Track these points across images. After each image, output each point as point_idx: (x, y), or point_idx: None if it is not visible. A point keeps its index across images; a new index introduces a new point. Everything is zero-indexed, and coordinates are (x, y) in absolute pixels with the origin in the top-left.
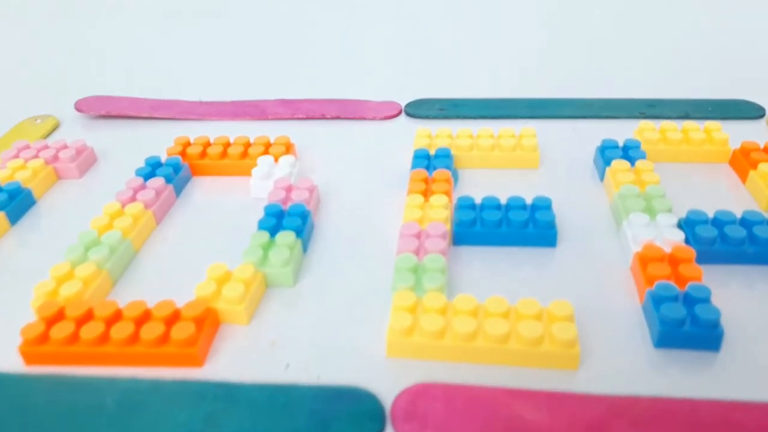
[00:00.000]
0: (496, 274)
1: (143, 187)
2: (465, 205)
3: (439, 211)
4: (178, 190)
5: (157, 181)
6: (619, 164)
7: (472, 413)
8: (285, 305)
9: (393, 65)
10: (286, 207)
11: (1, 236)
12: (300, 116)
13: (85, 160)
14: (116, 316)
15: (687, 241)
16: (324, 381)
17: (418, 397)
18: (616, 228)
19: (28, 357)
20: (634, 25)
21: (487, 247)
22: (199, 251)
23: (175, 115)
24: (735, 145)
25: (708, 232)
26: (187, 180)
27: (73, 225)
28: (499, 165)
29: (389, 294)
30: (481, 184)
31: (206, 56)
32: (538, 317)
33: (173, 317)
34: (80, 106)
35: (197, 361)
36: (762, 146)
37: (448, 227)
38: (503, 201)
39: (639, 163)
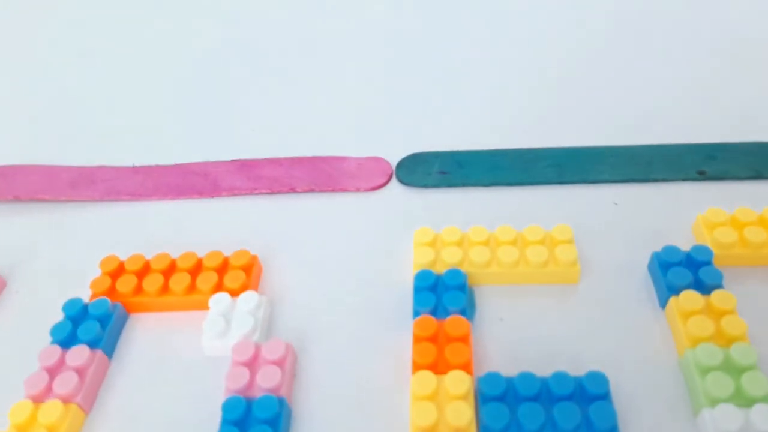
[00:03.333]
0: None
1: (62, 363)
2: (491, 395)
3: (459, 411)
4: (111, 348)
5: (81, 354)
6: (688, 300)
7: None
8: None
9: (377, 109)
10: (251, 396)
11: None
12: (262, 190)
13: None
14: None
15: None
16: None
17: None
18: (691, 406)
19: None
20: (676, 50)
21: None
22: None
23: (102, 194)
24: None
25: None
26: (121, 325)
27: None
28: (527, 281)
29: None
30: (507, 316)
31: (138, 99)
32: None
33: None
34: None
35: None
36: None
37: (472, 428)
38: (542, 372)
39: (716, 296)
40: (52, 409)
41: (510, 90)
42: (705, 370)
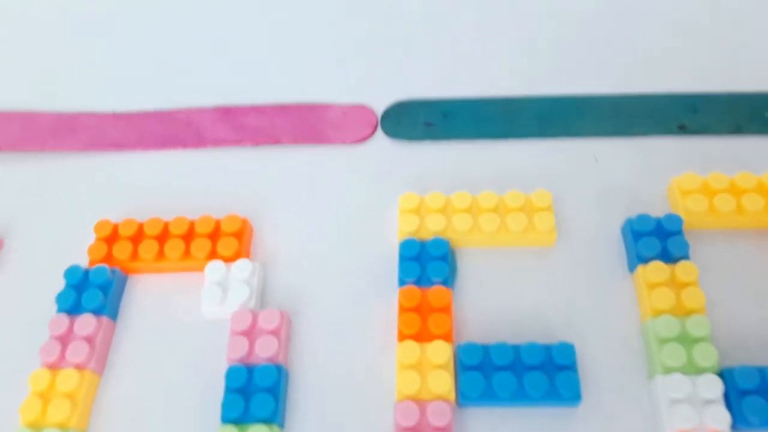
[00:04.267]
0: None
1: (71, 332)
2: (469, 364)
3: (440, 379)
4: (115, 312)
5: (88, 323)
6: (654, 271)
7: None
8: None
9: (360, 51)
10: (252, 363)
11: None
12: (247, 143)
13: None
14: None
15: (732, 412)
16: None
17: None
18: (647, 367)
19: None
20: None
21: (497, 408)
22: (158, 415)
23: (85, 144)
24: None
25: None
26: (122, 288)
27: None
28: (507, 245)
29: None
30: (487, 281)
31: (119, 42)
32: None
33: None
34: None
35: None
36: None
37: (452, 399)
38: (517, 335)
39: (680, 268)
40: (69, 377)
41: (496, 34)
42: (662, 341)
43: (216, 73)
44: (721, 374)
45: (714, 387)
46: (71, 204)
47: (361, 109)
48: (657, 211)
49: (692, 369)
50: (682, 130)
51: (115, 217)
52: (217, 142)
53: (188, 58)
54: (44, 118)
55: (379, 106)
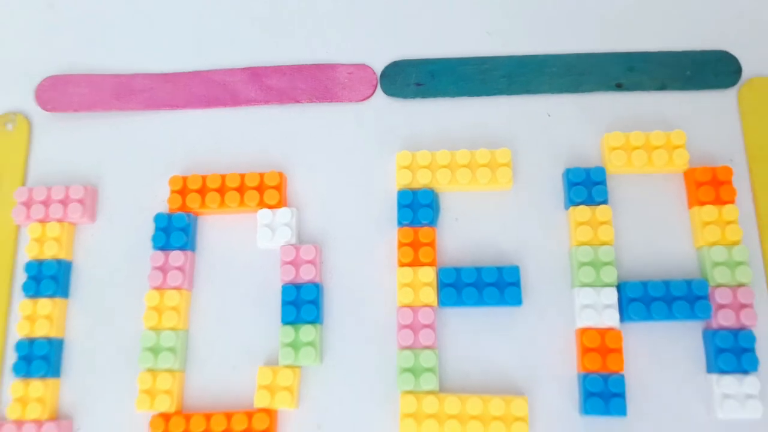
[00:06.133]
0: (474, 333)
1: (167, 263)
2: (446, 282)
3: (428, 293)
4: (194, 245)
5: (178, 257)
6: (580, 213)
7: None
8: (318, 387)
9: (359, 13)
10: (298, 282)
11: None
12: (273, 102)
13: (92, 203)
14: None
15: (621, 309)
16: None
17: None
18: (572, 279)
19: None
20: None
21: (465, 309)
22: (234, 316)
23: (143, 104)
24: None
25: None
26: (196, 227)
27: (121, 291)
28: (476, 189)
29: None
30: (461, 217)
31: (161, 7)
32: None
33: (252, 416)
34: (42, 101)
35: None
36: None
37: (435, 305)
38: (481, 259)
39: (600, 210)
40: (172, 295)
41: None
42: (581, 264)
43: (240, 35)
44: (618, 287)
45: (611, 296)
46: (142, 157)
47: (363, 69)
48: (593, 160)
49: (599, 283)
50: (619, 87)
51: (176, 169)
52: (249, 101)
53: (217, 22)
54: (106, 81)
55: (377, 64)
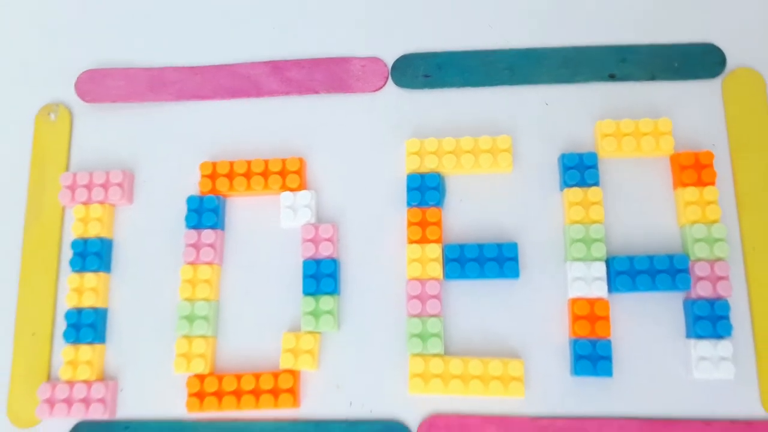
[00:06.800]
0: (475, 303)
1: (199, 240)
2: (451, 257)
3: (435, 267)
4: (223, 225)
5: (209, 235)
6: (573, 194)
7: None
8: (336, 351)
9: (372, 8)
10: (317, 258)
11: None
12: (293, 93)
13: (129, 187)
14: (244, 384)
15: (609, 281)
16: (375, 415)
17: (432, 426)
18: (565, 253)
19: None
20: None
21: (468, 281)
22: (260, 288)
23: (175, 96)
24: (685, 130)
25: (626, 284)
26: (224, 208)
27: (158, 266)
28: (479, 172)
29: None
30: (465, 198)
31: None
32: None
33: (277, 376)
34: (82, 93)
35: (296, 404)
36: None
37: (441, 278)
38: (480, 239)
39: (591, 192)
40: (204, 270)
41: None
42: (573, 241)
43: (262, 32)
44: (607, 261)
45: (600, 270)
46: (174, 144)
47: (376, 62)
48: (587, 146)
49: (589, 258)
50: (612, 78)
51: (206, 155)
52: (271, 92)
53: (241, 20)
54: (140, 74)
55: (389, 58)
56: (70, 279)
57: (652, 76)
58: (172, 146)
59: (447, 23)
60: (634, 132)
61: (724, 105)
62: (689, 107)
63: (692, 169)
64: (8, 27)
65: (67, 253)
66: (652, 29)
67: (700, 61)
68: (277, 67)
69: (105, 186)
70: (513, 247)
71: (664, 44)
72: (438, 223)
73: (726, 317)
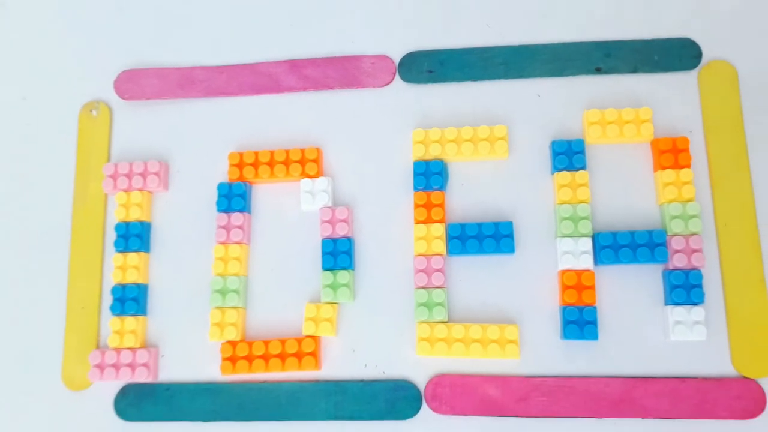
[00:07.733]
0: (475, 275)
1: (229, 223)
2: (453, 235)
3: (439, 245)
4: (249, 208)
5: (238, 218)
6: (562, 177)
7: (463, 393)
8: (352, 319)
9: (380, 6)
10: (334, 237)
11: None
12: (310, 89)
13: (165, 175)
14: (271, 349)
15: (595, 254)
16: (387, 375)
17: (437, 385)
18: (555, 230)
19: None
20: None
21: (468, 257)
22: (284, 264)
23: (203, 92)
24: (664, 118)
25: (610, 257)
26: (251, 193)
27: (193, 246)
28: (478, 159)
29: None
30: (466, 182)
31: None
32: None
33: (301, 342)
34: (120, 92)
35: (317, 367)
36: (675, 142)
37: (444, 254)
38: (480, 218)
39: (578, 175)
40: (234, 249)
41: None
42: (562, 219)
43: (281, 33)
44: (593, 237)
45: (587, 245)
46: (204, 137)
47: (384, 59)
48: (576, 133)
49: (577, 234)
50: (598, 71)
51: (232, 146)
52: (290, 89)
53: (262, 23)
54: (172, 74)
55: (396, 56)
56: (114, 258)
57: (634, 69)
58: (202, 138)
59: (448, 24)
60: (618, 120)
61: (700, 95)
62: (668, 97)
63: (670, 153)
64: (54, 33)
65: (111, 235)
66: (633, 26)
67: (678, 54)
68: (295, 65)
69: (143, 175)
70: (509, 225)
71: (645, 39)
72: (441, 205)
73: (699, 286)
